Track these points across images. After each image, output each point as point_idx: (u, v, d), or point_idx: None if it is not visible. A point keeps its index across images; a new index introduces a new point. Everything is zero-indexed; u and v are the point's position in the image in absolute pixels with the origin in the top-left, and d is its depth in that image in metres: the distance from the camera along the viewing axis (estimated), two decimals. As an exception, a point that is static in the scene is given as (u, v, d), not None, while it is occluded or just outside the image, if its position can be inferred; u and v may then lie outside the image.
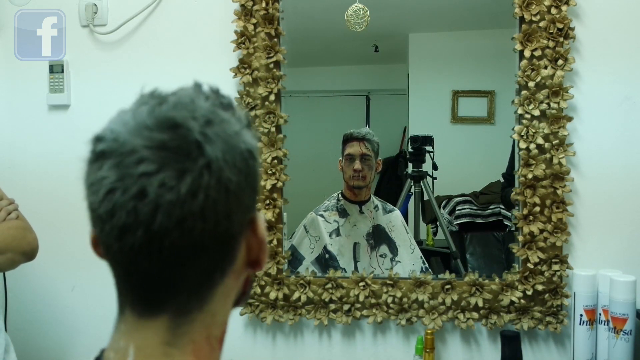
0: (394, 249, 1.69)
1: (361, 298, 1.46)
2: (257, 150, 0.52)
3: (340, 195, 1.76)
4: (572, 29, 1.36)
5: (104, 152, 0.48)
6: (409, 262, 1.68)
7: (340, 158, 1.73)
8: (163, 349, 0.49)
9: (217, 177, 0.47)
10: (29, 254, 1.25)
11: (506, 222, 1.73)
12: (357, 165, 1.70)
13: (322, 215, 1.73)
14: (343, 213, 1.73)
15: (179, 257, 0.47)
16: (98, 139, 0.49)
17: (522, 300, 1.41)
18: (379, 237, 1.70)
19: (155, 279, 0.49)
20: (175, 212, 0.46)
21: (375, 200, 1.76)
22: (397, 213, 1.76)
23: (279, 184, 1.47)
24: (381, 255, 1.68)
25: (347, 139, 1.73)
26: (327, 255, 1.67)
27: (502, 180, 1.62)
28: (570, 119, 1.38)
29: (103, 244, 0.50)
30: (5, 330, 1.34)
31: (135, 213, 0.46)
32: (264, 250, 0.54)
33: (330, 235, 1.69)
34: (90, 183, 0.49)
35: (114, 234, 0.47)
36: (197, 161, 0.46)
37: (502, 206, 1.74)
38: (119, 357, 0.50)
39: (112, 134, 0.48)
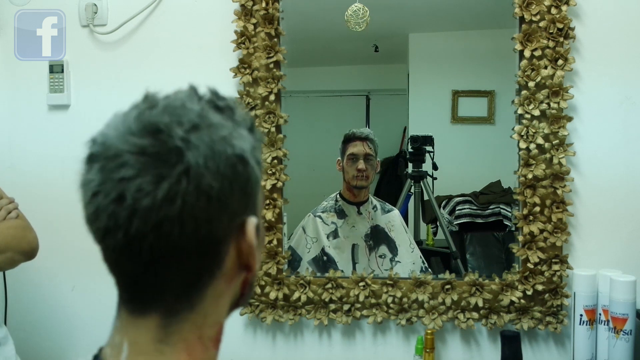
0: (393, 249, 1.68)
1: (361, 298, 1.46)
2: (251, 154, 0.52)
3: (338, 196, 1.74)
4: (572, 29, 1.36)
5: (92, 155, 0.50)
6: (409, 261, 1.67)
7: (339, 158, 1.72)
8: (155, 346, 0.51)
9: (196, 184, 0.47)
10: (29, 253, 1.25)
11: (506, 222, 1.73)
12: (362, 165, 1.69)
13: (320, 217, 1.72)
14: (341, 214, 1.72)
15: (160, 260, 0.49)
16: (92, 142, 0.51)
17: (522, 300, 1.41)
18: (378, 237, 1.69)
19: (140, 280, 0.50)
20: (151, 217, 0.47)
21: (374, 201, 1.75)
22: (395, 212, 1.75)
23: (279, 184, 1.47)
24: (380, 256, 1.67)
25: (350, 139, 1.71)
26: (325, 258, 1.66)
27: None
28: (570, 119, 1.38)
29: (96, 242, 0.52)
30: (5, 324, 1.35)
31: (114, 217, 0.47)
32: (252, 254, 0.54)
33: (328, 238, 1.68)
34: (80, 184, 0.51)
35: (98, 236, 0.50)
36: (175, 167, 0.47)
37: (502, 206, 1.74)
38: (115, 352, 0.52)
39: (102, 137, 0.50)
